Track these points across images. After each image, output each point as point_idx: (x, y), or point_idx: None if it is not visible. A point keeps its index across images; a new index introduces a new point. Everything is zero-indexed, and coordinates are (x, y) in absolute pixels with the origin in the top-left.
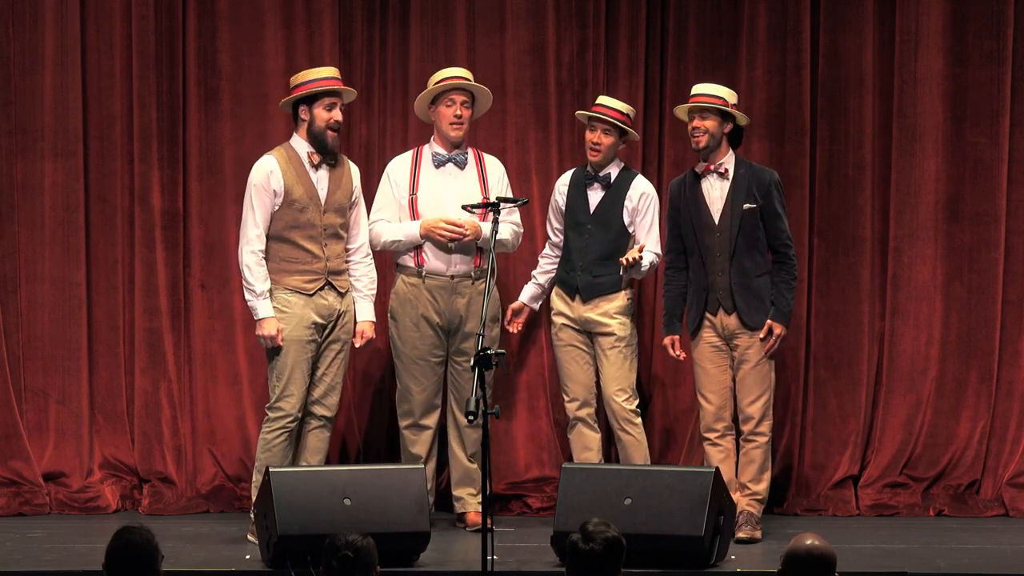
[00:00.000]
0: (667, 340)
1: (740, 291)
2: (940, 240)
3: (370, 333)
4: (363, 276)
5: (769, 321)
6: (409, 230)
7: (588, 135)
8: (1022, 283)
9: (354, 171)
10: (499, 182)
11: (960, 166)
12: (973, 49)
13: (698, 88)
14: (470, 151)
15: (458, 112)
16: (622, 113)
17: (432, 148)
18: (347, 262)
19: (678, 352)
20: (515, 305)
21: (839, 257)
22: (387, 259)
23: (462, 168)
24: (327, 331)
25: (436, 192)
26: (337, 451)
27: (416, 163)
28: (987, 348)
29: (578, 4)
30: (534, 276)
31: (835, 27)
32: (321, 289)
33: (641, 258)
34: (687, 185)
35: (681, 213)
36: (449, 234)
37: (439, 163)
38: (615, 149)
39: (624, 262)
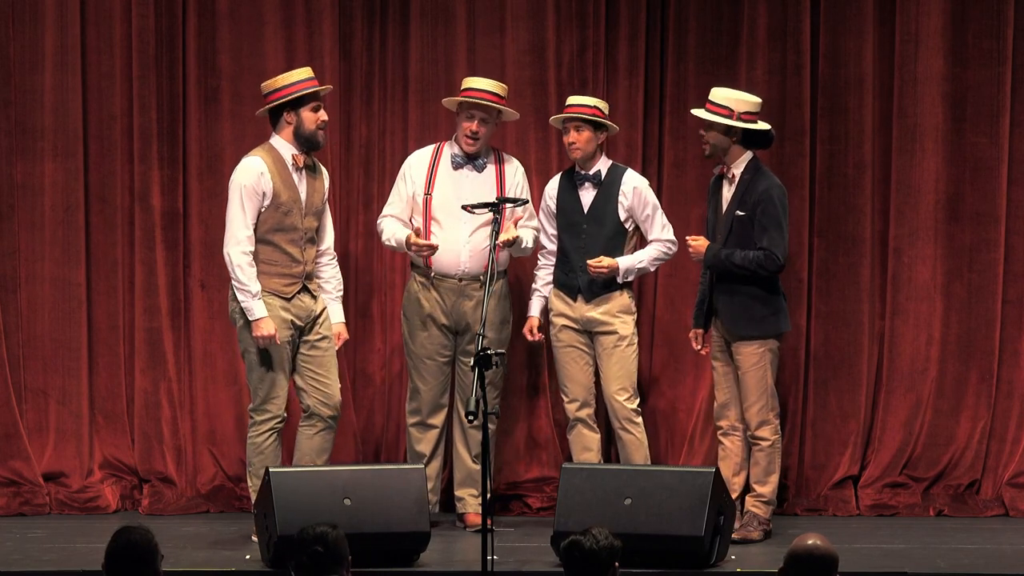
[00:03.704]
0: (691, 333)
1: (723, 296)
2: (940, 240)
3: (345, 335)
4: (331, 278)
5: (707, 242)
6: (400, 237)
7: (564, 138)
8: (1022, 283)
9: (326, 176)
10: (516, 186)
11: (960, 166)
12: (973, 49)
13: (713, 93)
14: (491, 153)
15: (474, 129)
16: (589, 106)
17: (452, 148)
18: (316, 263)
19: (699, 346)
20: (532, 323)
21: (839, 257)
22: (389, 258)
23: (480, 171)
24: (305, 332)
25: (450, 194)
26: (337, 451)
27: (435, 162)
28: (987, 348)
29: (578, 4)
30: (537, 289)
31: (835, 27)
32: (298, 292)
33: (613, 267)
34: (715, 184)
35: (709, 210)
36: (415, 250)
37: (457, 165)
38: (594, 143)
39: (591, 269)
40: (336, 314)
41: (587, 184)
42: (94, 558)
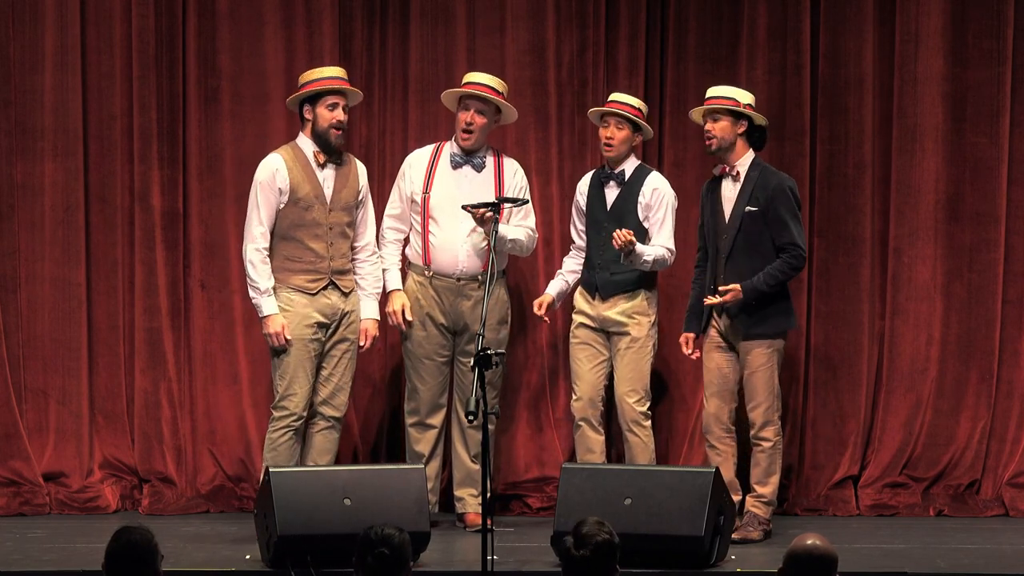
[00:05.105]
0: (682, 338)
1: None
2: (940, 240)
3: (374, 331)
4: (368, 275)
5: (737, 284)
6: (387, 281)
7: (601, 131)
8: (1022, 283)
9: (361, 170)
10: (516, 187)
11: (960, 166)
12: (973, 49)
13: (712, 91)
14: (490, 153)
15: (469, 120)
16: (635, 108)
17: (452, 148)
18: (353, 260)
19: (690, 350)
20: (544, 298)
21: (839, 257)
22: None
23: (479, 171)
24: (331, 330)
25: (448, 193)
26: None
27: (434, 161)
28: (987, 348)
29: (578, 4)
30: (561, 273)
31: (835, 27)
32: (324, 289)
33: (632, 242)
34: (710, 186)
35: (703, 214)
36: (389, 312)
37: (456, 164)
38: (629, 144)
39: (614, 238)
40: (368, 310)
41: (612, 183)
42: (94, 558)
